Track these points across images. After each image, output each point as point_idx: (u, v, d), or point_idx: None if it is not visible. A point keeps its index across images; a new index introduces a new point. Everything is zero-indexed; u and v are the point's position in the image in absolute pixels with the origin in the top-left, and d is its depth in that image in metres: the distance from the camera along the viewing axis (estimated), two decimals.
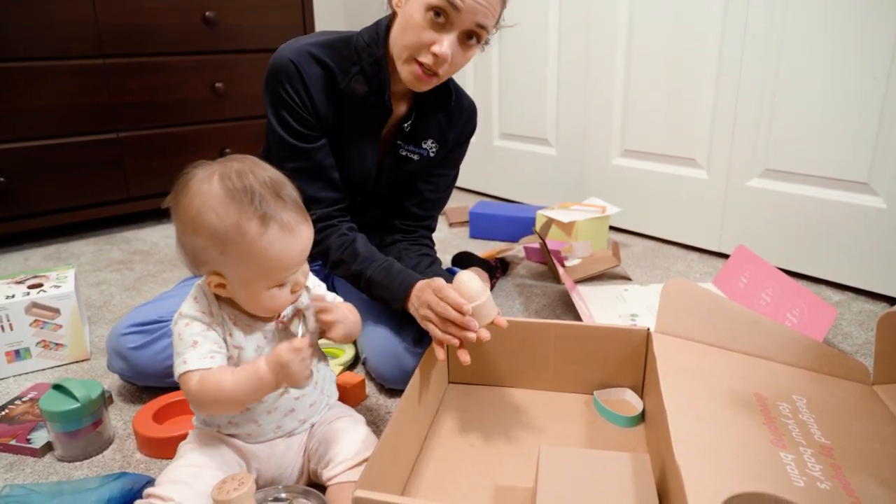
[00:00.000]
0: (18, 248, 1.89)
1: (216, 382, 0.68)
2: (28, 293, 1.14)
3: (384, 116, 1.09)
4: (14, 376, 1.14)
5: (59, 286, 1.17)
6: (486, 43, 1.01)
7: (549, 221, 1.59)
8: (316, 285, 0.83)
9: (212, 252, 0.68)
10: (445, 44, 0.93)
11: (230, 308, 0.74)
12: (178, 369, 0.69)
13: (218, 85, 2.05)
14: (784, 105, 1.48)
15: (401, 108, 1.12)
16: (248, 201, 0.67)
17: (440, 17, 0.92)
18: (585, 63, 1.92)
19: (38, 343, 1.15)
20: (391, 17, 1.03)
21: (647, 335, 0.97)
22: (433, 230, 1.26)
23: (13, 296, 1.13)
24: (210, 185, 0.68)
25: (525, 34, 2.08)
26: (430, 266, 1.14)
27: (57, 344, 1.16)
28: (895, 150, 1.32)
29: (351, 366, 1.15)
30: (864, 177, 1.39)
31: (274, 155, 1.06)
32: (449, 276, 1.01)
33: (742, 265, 1.42)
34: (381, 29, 1.03)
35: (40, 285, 1.18)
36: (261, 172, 0.70)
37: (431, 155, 1.17)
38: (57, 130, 1.84)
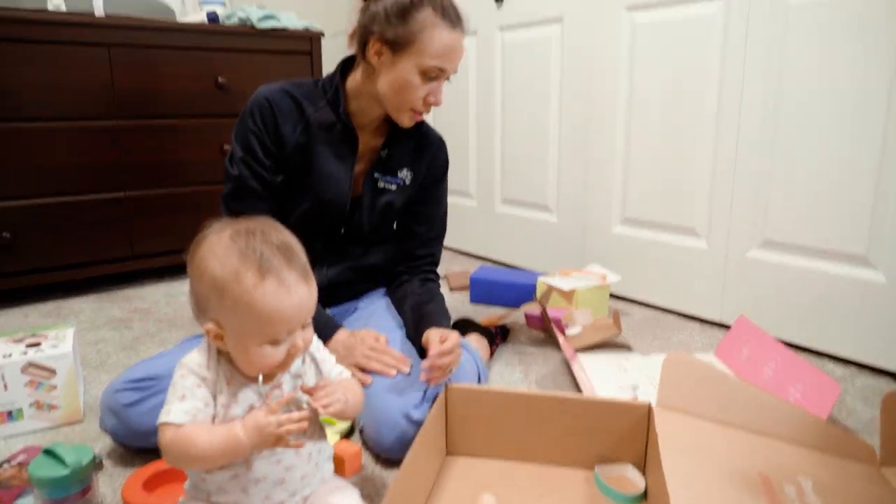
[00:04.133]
0: (18, 304, 1.89)
1: (190, 439, 0.68)
2: (26, 352, 1.13)
3: (353, 142, 1.18)
4: (4, 438, 1.12)
5: (57, 345, 1.17)
6: None
7: (550, 289, 1.60)
8: (324, 359, 0.82)
9: (212, 299, 0.70)
10: (439, 94, 1.12)
11: (228, 365, 0.74)
12: (160, 417, 0.70)
13: (227, 147, 2.10)
14: (782, 177, 1.51)
15: (375, 141, 1.23)
16: (250, 253, 0.69)
17: (433, 75, 1.09)
18: (585, 132, 1.97)
19: (31, 404, 1.13)
20: (352, 60, 1.18)
21: (649, 409, 0.95)
22: (437, 263, 1.36)
23: (10, 355, 1.12)
24: (220, 236, 0.71)
25: (527, 103, 2.14)
26: (430, 302, 1.22)
27: (51, 405, 1.15)
28: (892, 222, 1.34)
29: (347, 434, 1.13)
30: (863, 250, 1.40)
31: (227, 187, 1.16)
32: (446, 320, 1.15)
33: (743, 337, 1.42)
34: (339, 68, 1.19)
35: (38, 344, 1.17)
36: (273, 233, 0.72)
37: (407, 183, 1.26)
38: (66, 188, 1.87)
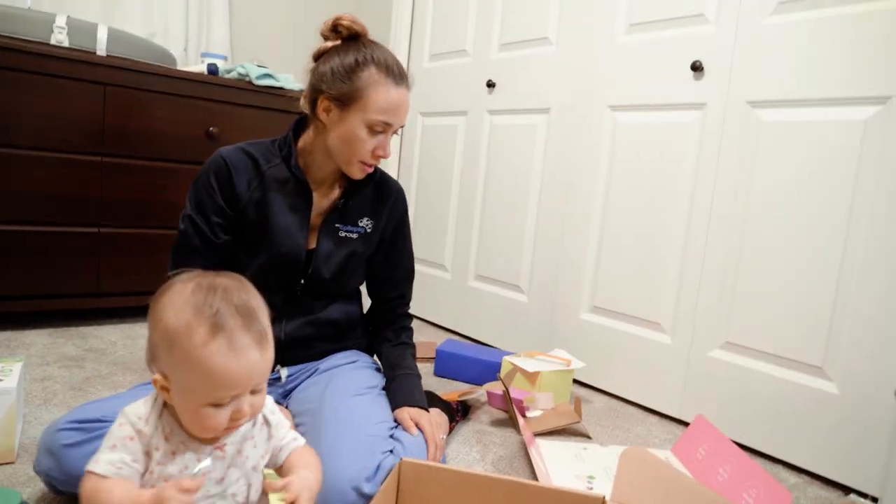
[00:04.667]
0: None
1: (104, 495, 0.66)
2: None
3: (307, 196, 1.23)
4: None
5: (2, 379, 1.12)
6: None
7: (515, 369, 1.60)
8: (278, 423, 0.80)
9: (162, 349, 0.69)
10: (387, 147, 1.18)
11: (171, 419, 0.71)
12: (88, 464, 0.68)
13: None
14: (746, 282, 1.56)
15: (334, 193, 1.28)
16: (206, 309, 0.68)
17: (379, 129, 1.15)
18: (562, 218, 2.02)
19: None
20: (305, 120, 1.24)
21: (603, 503, 0.94)
22: (408, 302, 1.42)
23: None
24: (184, 287, 0.70)
25: (509, 185, 2.21)
26: (398, 366, 1.29)
27: None
28: (847, 337, 1.38)
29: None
30: (819, 361, 1.43)
31: (175, 240, 1.22)
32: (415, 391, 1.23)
33: (700, 436, 1.42)
34: (293, 127, 1.25)
35: None
36: (236, 294, 0.71)
37: (368, 231, 1.31)
38: (40, 217, 1.85)
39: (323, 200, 1.27)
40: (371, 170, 1.21)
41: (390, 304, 1.39)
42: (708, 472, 1.32)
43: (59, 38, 1.82)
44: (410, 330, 1.40)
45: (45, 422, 1.29)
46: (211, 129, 2.09)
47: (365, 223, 1.30)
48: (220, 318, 0.68)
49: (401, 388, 1.24)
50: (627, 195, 1.84)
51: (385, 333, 1.37)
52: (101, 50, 1.89)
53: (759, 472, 1.21)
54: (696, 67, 1.64)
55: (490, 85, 2.27)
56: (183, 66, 2.45)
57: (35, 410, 1.35)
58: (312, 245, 1.25)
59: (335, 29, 1.18)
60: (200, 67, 2.17)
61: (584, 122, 1.96)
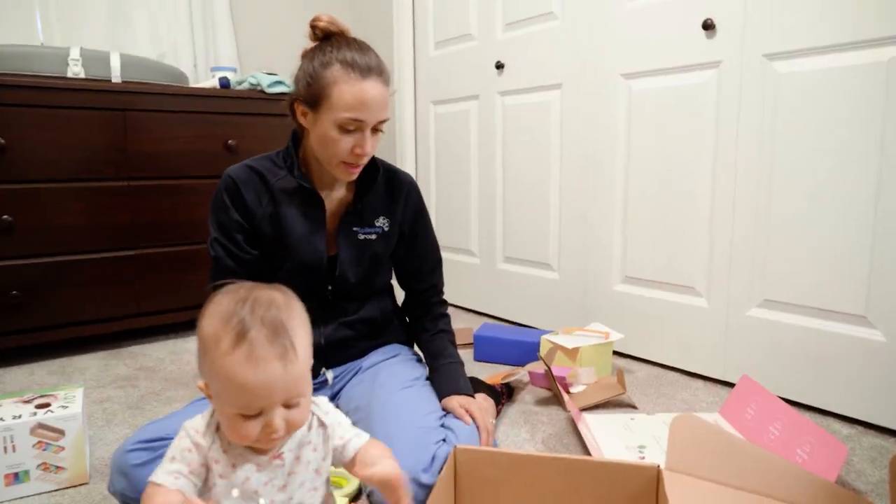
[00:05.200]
0: (24, 362, 1.89)
1: (148, 500, 0.69)
2: (35, 413, 1.14)
3: (318, 203, 1.24)
4: (10, 501, 1.11)
5: (67, 406, 1.17)
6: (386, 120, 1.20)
7: (555, 347, 1.61)
8: (337, 423, 0.81)
9: (200, 356, 0.72)
10: (365, 144, 1.14)
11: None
12: (150, 475, 0.71)
13: None
14: (778, 238, 1.55)
15: (346, 196, 1.28)
16: (234, 319, 0.68)
17: (351, 127, 1.12)
18: (585, 192, 2.02)
19: (38, 465, 1.13)
20: (300, 129, 1.23)
21: (658, 472, 0.96)
22: (441, 290, 1.43)
23: (20, 416, 1.13)
24: (222, 297, 0.72)
25: (528, 164, 2.20)
26: (440, 355, 1.31)
27: (58, 467, 1.14)
28: (890, 285, 1.37)
29: (355, 496, 1.13)
30: (862, 310, 1.42)
31: (211, 268, 1.23)
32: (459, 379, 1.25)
33: (748, 396, 1.42)
34: (291, 137, 1.26)
35: (48, 405, 1.18)
36: (265, 307, 0.71)
37: (386, 229, 1.31)
38: (77, 247, 1.90)
39: (335, 204, 1.28)
40: (356, 170, 1.18)
41: (424, 296, 1.41)
42: (759, 432, 1.32)
43: (76, 70, 1.87)
44: (447, 317, 1.42)
45: (110, 441, 1.34)
46: (229, 141, 2.12)
47: (381, 222, 1.30)
48: (244, 330, 0.68)
49: (445, 378, 1.26)
50: (648, 162, 1.83)
51: (423, 324, 1.39)
52: (116, 77, 1.93)
53: (810, 426, 1.21)
54: (708, 26, 1.62)
55: (499, 66, 2.26)
56: (194, 82, 2.48)
57: (99, 431, 1.40)
58: (333, 251, 1.27)
59: (313, 30, 1.18)
60: (212, 82, 2.20)
61: (598, 93, 1.94)
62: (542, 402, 1.60)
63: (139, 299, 2.03)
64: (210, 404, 0.75)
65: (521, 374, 1.69)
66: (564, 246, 2.12)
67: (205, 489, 0.73)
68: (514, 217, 2.30)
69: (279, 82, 2.21)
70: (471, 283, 2.52)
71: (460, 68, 2.46)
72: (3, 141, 1.75)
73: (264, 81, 2.18)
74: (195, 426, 0.73)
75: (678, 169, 1.75)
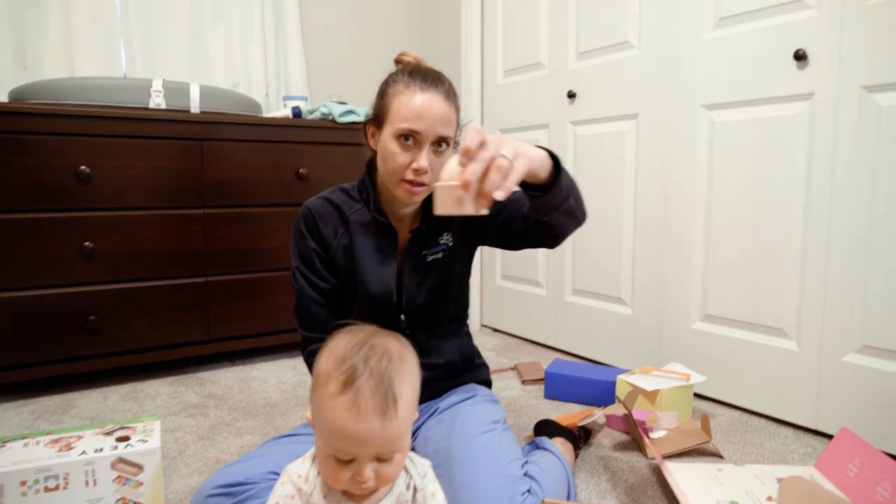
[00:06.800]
0: (98, 385, 1.93)
1: None
2: (116, 447, 1.14)
3: (391, 235, 1.22)
4: None
5: (146, 440, 1.17)
6: (457, 143, 1.17)
7: (636, 390, 1.53)
8: (432, 494, 0.79)
9: (312, 389, 0.73)
10: (422, 159, 1.10)
11: None
12: None
13: None
14: (881, 280, 1.44)
15: (413, 222, 1.25)
16: (346, 364, 0.70)
17: (409, 141, 1.10)
18: (662, 226, 1.94)
19: (117, 500, 1.13)
20: (373, 156, 1.22)
21: None
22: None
23: (101, 449, 1.13)
24: (343, 336, 0.73)
25: (600, 195, 2.14)
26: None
27: (136, 502, 1.14)
28: None
29: None
30: None
31: (295, 300, 1.23)
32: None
33: (848, 451, 1.32)
34: (366, 167, 1.25)
35: (127, 438, 1.18)
36: (383, 360, 0.71)
37: (451, 244, 1.27)
38: (152, 273, 1.94)
39: (407, 234, 1.26)
40: (419, 190, 1.12)
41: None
42: (864, 492, 1.22)
43: (157, 101, 1.92)
44: None
45: (183, 474, 1.34)
46: (301, 170, 2.14)
47: (446, 238, 1.28)
48: (353, 376, 0.69)
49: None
50: (732, 195, 1.74)
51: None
52: (195, 108, 1.97)
53: None
54: (800, 56, 1.54)
55: (571, 95, 2.22)
56: (266, 111, 2.53)
57: (172, 463, 1.40)
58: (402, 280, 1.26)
59: (397, 65, 1.22)
60: (285, 112, 2.23)
61: (677, 124, 1.88)
62: (620, 446, 1.53)
63: (209, 325, 2.05)
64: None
65: (597, 415, 1.62)
66: (638, 280, 2.05)
67: None
68: (584, 248, 2.24)
69: (350, 111, 2.23)
70: (536, 314, 2.46)
71: (530, 97, 2.43)
72: (88, 170, 1.80)
73: (336, 111, 2.20)
74: (297, 471, 0.74)
75: (766, 204, 1.66)
